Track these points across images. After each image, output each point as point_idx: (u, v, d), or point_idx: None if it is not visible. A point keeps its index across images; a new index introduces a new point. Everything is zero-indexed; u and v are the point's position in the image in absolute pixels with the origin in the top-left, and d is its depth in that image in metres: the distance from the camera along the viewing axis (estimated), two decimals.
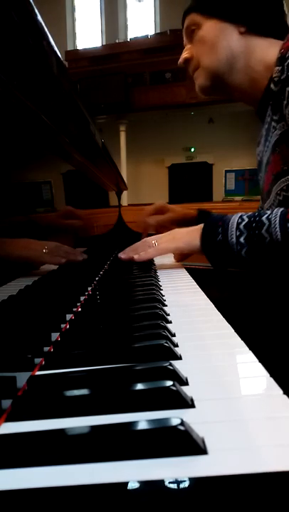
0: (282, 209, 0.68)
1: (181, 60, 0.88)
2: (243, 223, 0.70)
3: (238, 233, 0.70)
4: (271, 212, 0.69)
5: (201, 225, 0.77)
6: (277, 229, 0.66)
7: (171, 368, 0.31)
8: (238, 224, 0.71)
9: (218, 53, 0.82)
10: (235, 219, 0.72)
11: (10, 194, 0.60)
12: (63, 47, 8.67)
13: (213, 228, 0.73)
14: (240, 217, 0.72)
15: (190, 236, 0.78)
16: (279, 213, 0.67)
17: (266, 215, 0.69)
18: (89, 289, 0.70)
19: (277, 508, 0.18)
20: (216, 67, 0.83)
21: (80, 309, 0.55)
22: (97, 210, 1.30)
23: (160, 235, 0.88)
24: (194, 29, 0.85)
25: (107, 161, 1.18)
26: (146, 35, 8.33)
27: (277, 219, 0.67)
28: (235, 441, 0.23)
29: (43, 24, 0.45)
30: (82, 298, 0.62)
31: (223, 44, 0.82)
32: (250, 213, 0.72)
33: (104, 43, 9.21)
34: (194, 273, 0.82)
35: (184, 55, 0.88)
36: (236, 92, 0.87)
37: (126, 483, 0.20)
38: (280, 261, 0.69)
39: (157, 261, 1.02)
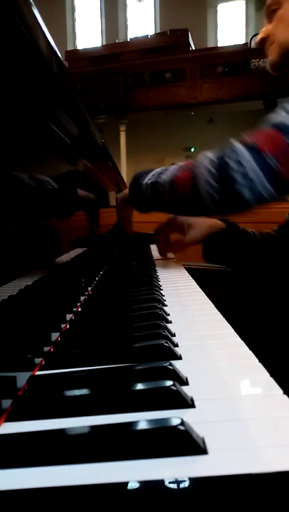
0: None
1: (258, 39, 0.93)
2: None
3: (149, 177, 0.85)
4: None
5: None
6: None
7: (171, 367, 0.31)
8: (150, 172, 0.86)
9: None
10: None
11: (10, 194, 0.60)
12: (63, 47, 8.67)
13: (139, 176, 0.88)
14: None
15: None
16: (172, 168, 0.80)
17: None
18: (89, 289, 0.70)
19: (278, 508, 0.18)
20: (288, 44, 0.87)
21: (80, 309, 0.55)
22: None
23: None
24: (275, 8, 0.88)
25: (107, 161, 1.19)
26: (147, 35, 8.34)
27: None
28: (235, 441, 0.23)
29: (43, 24, 0.45)
30: (82, 298, 0.62)
31: None
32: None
33: (104, 43, 9.22)
34: (194, 273, 0.82)
35: (261, 35, 0.92)
36: None
37: (126, 483, 0.20)
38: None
39: (157, 261, 1.02)
